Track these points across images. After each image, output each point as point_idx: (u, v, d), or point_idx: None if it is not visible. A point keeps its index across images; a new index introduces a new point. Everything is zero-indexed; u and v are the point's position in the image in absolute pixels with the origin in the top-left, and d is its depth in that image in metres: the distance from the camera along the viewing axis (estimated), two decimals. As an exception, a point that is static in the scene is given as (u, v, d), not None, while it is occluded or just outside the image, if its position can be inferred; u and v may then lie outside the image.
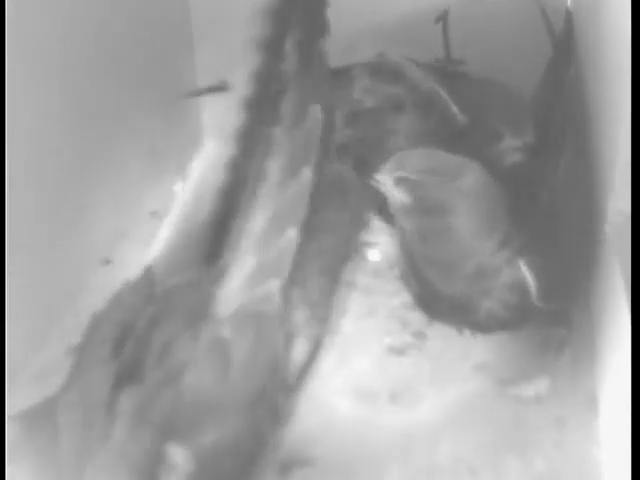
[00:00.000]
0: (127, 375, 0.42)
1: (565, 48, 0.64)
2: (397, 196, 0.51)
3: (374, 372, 0.55)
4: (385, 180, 0.51)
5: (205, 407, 0.41)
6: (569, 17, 0.66)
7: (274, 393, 0.43)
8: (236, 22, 0.75)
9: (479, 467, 0.50)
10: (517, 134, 0.58)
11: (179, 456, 0.40)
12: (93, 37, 0.62)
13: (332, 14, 0.73)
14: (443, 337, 0.52)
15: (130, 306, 0.45)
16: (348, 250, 0.50)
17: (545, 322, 0.55)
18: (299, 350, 0.43)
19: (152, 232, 0.70)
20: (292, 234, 0.44)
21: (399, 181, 0.51)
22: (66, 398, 0.42)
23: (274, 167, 0.45)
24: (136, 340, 0.43)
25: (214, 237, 0.47)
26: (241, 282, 0.43)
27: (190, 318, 0.43)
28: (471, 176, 0.51)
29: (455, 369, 0.56)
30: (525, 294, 0.51)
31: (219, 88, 0.74)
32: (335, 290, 0.47)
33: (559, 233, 0.53)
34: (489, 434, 0.52)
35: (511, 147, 0.58)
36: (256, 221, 0.44)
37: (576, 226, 0.54)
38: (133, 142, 0.70)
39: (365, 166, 0.58)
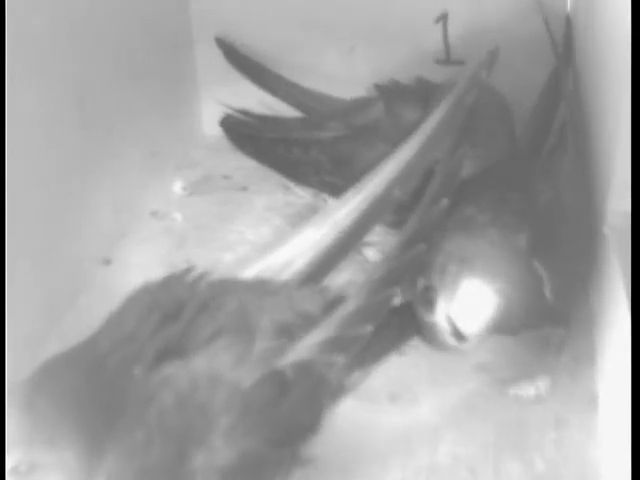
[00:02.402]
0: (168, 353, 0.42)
1: (566, 54, 0.64)
2: (453, 343, 0.49)
3: (374, 372, 0.55)
4: (447, 337, 0.49)
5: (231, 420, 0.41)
6: (569, 24, 0.66)
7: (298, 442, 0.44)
8: (236, 21, 0.76)
9: (479, 467, 0.50)
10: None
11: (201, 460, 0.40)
12: (93, 38, 0.62)
13: (332, 14, 0.74)
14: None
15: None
16: None
17: (545, 322, 0.55)
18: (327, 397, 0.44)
19: (152, 232, 0.70)
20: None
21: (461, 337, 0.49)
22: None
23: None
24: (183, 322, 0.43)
25: None
26: (316, 342, 0.44)
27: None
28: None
29: (455, 369, 0.55)
30: (540, 295, 0.50)
31: None
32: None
33: (564, 233, 0.53)
34: (489, 434, 0.52)
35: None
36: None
37: (577, 226, 0.54)
38: (133, 142, 0.70)
39: None
